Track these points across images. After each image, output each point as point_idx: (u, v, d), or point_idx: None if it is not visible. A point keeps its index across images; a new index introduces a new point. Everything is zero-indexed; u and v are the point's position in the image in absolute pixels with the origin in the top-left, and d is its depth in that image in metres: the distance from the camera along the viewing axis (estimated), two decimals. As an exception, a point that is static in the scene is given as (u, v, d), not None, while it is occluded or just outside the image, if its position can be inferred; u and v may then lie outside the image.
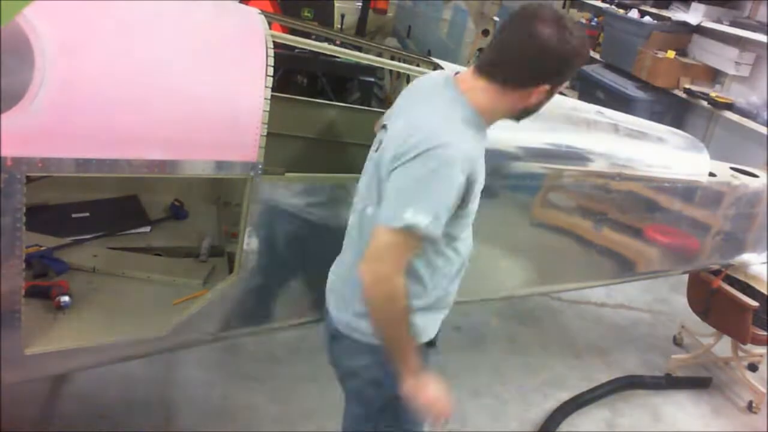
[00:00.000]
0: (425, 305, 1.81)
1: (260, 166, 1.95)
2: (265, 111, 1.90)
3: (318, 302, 2.31)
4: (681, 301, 4.06)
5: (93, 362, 2.14)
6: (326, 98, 4.31)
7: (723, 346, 3.64)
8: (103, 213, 2.75)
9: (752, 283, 3.49)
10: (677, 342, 4.01)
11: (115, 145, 1.76)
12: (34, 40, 1.64)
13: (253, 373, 3.11)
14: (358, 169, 2.11)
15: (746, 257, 3.50)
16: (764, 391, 3.46)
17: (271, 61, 1.93)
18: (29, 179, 1.72)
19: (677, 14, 5.86)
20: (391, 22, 7.12)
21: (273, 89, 1.93)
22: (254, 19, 2.07)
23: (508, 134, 2.34)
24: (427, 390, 1.69)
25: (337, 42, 3.86)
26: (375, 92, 5.49)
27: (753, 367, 3.58)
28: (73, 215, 2.70)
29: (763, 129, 4.98)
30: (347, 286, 1.82)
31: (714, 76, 5.76)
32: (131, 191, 2.93)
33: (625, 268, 3.10)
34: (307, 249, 2.28)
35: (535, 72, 1.62)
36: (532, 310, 4.09)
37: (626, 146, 2.84)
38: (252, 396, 2.97)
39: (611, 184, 2.75)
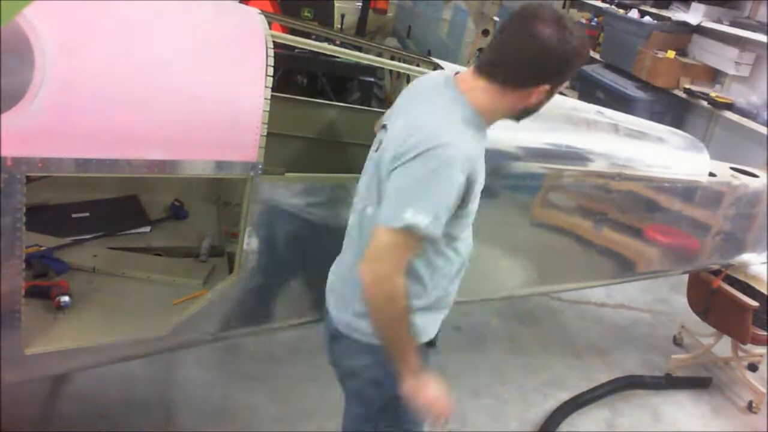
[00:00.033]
0: (425, 305, 1.80)
1: (260, 166, 1.95)
2: (265, 111, 1.90)
3: (318, 302, 2.31)
4: (681, 301, 4.06)
5: (93, 362, 2.14)
6: (326, 98, 4.31)
7: (723, 346, 3.64)
8: (103, 213, 2.75)
9: (752, 283, 3.49)
10: (677, 342, 4.01)
11: (115, 145, 1.76)
12: (34, 40, 1.64)
13: (253, 373, 3.11)
14: (358, 169, 2.11)
15: (746, 257, 3.50)
16: (764, 391, 3.46)
17: (271, 61, 1.93)
18: (29, 179, 1.72)
19: (677, 14, 5.86)
20: (391, 22, 7.12)
21: (273, 89, 1.93)
22: (254, 19, 2.07)
23: (508, 134, 2.34)
24: (427, 390, 1.69)
25: (337, 42, 3.86)
26: (375, 92, 5.49)
27: (753, 367, 3.58)
28: (73, 215, 2.69)
29: (763, 129, 4.98)
30: (347, 286, 1.82)
31: (714, 76, 5.76)
32: (131, 191, 2.93)
33: (625, 268, 3.10)
34: (307, 249, 2.28)
35: (535, 72, 1.62)
36: (532, 310, 4.09)
37: (626, 146, 2.84)
38: (252, 396, 2.97)
39: (611, 184, 2.75)
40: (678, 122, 5.81)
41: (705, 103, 5.48)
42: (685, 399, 3.51)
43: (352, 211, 1.90)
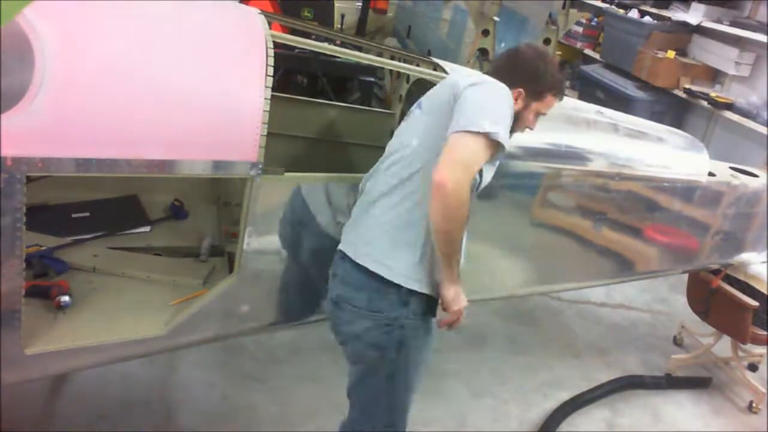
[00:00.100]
0: None
1: (260, 166, 1.95)
2: (265, 111, 1.90)
3: (318, 302, 2.31)
4: (681, 301, 4.06)
5: (93, 362, 2.14)
6: (326, 98, 4.30)
7: (723, 346, 3.64)
8: (103, 213, 2.74)
9: (752, 283, 3.49)
10: (677, 342, 4.01)
11: (114, 145, 1.76)
12: (34, 40, 1.64)
13: (253, 373, 3.11)
14: (358, 169, 2.11)
15: (746, 257, 3.50)
16: (764, 391, 3.46)
17: (271, 61, 1.93)
18: (29, 179, 1.72)
19: (677, 14, 5.87)
20: (391, 22, 7.11)
21: (273, 89, 1.93)
22: (254, 19, 2.07)
23: (508, 134, 2.34)
24: (461, 300, 1.89)
25: (337, 42, 3.86)
26: (375, 92, 5.49)
27: (753, 367, 3.58)
28: (73, 215, 2.69)
29: (763, 129, 4.98)
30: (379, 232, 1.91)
31: (714, 76, 5.76)
32: (131, 191, 2.93)
33: (624, 267, 3.10)
34: (307, 249, 2.28)
35: (514, 74, 1.98)
36: (532, 310, 4.09)
37: (626, 146, 2.84)
38: (252, 396, 2.97)
39: (611, 183, 2.75)
40: (678, 122, 5.82)
41: (705, 103, 5.49)
42: (685, 399, 3.51)
43: (375, 171, 2.02)
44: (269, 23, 2.11)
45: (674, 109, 5.98)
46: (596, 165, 2.70)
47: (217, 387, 2.99)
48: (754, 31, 5.13)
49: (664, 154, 3.00)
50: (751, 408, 3.48)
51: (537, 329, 3.93)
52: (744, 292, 3.36)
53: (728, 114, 5.32)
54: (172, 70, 1.87)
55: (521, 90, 1.97)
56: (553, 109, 2.07)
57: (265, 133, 1.92)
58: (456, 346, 3.52)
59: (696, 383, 3.63)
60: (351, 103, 4.66)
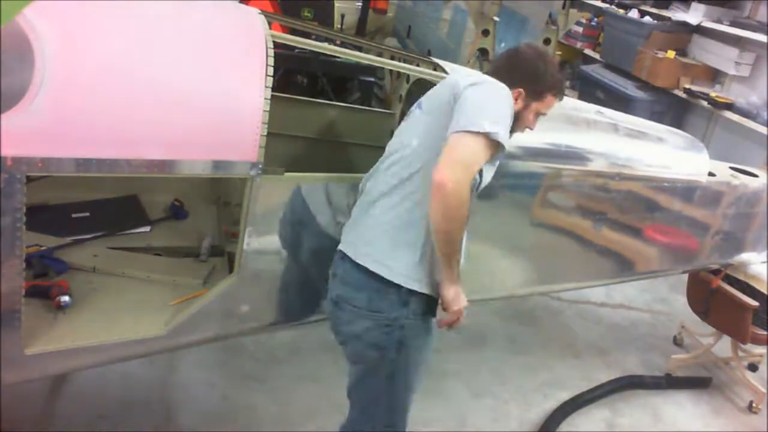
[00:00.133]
0: None
1: (260, 166, 1.95)
2: (265, 111, 1.90)
3: (318, 302, 2.31)
4: (681, 301, 4.06)
5: (93, 362, 2.14)
6: (326, 98, 4.30)
7: (723, 346, 3.64)
8: (103, 213, 2.74)
9: (752, 283, 3.49)
10: (677, 342, 4.01)
11: (114, 145, 1.76)
12: (34, 40, 1.64)
13: (253, 373, 3.11)
14: (358, 169, 2.11)
15: (746, 257, 3.50)
16: (764, 391, 3.46)
17: (271, 61, 1.93)
18: (29, 179, 1.72)
19: (677, 14, 5.87)
20: (391, 22, 7.11)
21: (273, 89, 1.93)
22: (254, 19, 2.07)
23: (508, 134, 2.34)
24: (461, 300, 1.89)
25: (337, 42, 3.86)
26: (375, 92, 5.49)
27: (753, 367, 3.58)
28: (73, 215, 2.69)
29: (763, 129, 4.98)
30: (375, 232, 1.91)
31: (714, 76, 5.76)
32: (131, 191, 2.93)
33: (624, 267, 3.10)
34: (307, 249, 2.28)
35: (514, 74, 1.98)
36: (532, 310, 4.09)
37: (626, 146, 2.84)
38: (252, 396, 2.97)
39: (611, 183, 2.75)
40: (678, 122, 5.82)
41: (705, 103, 5.49)
42: (685, 399, 3.51)
43: (375, 171, 2.02)
44: (269, 23, 2.11)
45: (674, 109, 5.98)
46: (596, 165, 2.70)
47: (217, 387, 2.99)
48: (754, 31, 5.13)
49: (664, 154, 3.00)
50: (751, 408, 3.48)
51: (537, 329, 3.93)
52: (744, 292, 3.36)
53: (728, 114, 5.32)
54: (172, 70, 1.87)
55: (521, 90, 1.97)
56: (553, 109, 2.07)
57: (265, 133, 1.92)
58: (456, 346, 3.52)
59: (696, 383, 3.63)
60: (351, 103, 4.66)
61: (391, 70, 5.22)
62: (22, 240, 1.74)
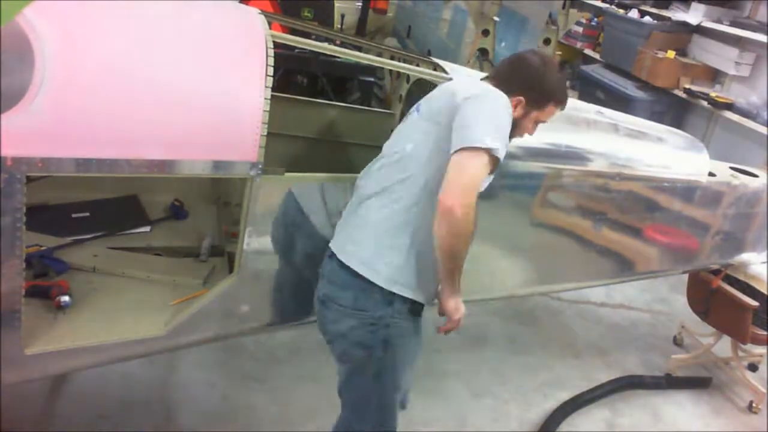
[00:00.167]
0: None
1: (260, 166, 1.95)
2: (265, 111, 1.90)
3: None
4: (681, 301, 4.06)
5: (93, 362, 2.14)
6: (326, 98, 4.30)
7: (723, 346, 3.64)
8: (103, 213, 2.75)
9: (752, 283, 3.49)
10: (677, 342, 4.01)
11: (114, 145, 1.77)
12: (34, 40, 1.64)
13: (253, 373, 3.11)
14: (357, 169, 2.11)
15: (746, 257, 3.50)
16: (764, 391, 3.46)
17: (271, 61, 1.94)
18: (29, 179, 1.72)
19: (677, 14, 5.87)
20: (391, 22, 7.11)
21: (273, 89, 1.93)
22: (254, 19, 2.07)
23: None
24: (461, 309, 1.92)
25: (337, 42, 3.86)
26: (375, 92, 5.49)
27: (753, 367, 3.58)
28: (73, 215, 2.69)
29: (763, 129, 4.98)
30: (367, 231, 1.91)
31: (714, 76, 5.76)
32: (131, 191, 2.93)
33: (624, 267, 3.10)
34: (307, 249, 2.28)
35: (515, 81, 1.97)
36: (532, 310, 4.09)
37: (626, 146, 2.84)
38: (252, 396, 2.97)
39: (611, 183, 2.75)
40: (678, 122, 5.82)
41: (705, 103, 5.49)
42: (685, 399, 3.51)
43: (368, 170, 2.02)
44: (269, 23, 2.11)
45: (674, 109, 5.97)
46: (596, 165, 2.70)
47: (217, 387, 2.99)
48: (754, 31, 5.13)
49: (664, 154, 3.00)
50: (751, 408, 3.48)
51: (537, 329, 3.93)
52: (744, 292, 3.36)
53: (728, 114, 5.31)
54: (172, 70, 1.87)
55: (521, 98, 1.97)
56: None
57: (265, 133, 1.92)
58: (456, 346, 3.52)
59: (696, 383, 3.63)
60: (351, 103, 4.66)
61: (391, 70, 5.22)
62: (22, 240, 1.74)
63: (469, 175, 1.72)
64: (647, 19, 6.09)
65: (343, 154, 3.13)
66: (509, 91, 1.94)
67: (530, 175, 2.55)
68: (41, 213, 2.55)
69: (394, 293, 1.87)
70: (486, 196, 2.05)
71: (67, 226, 2.58)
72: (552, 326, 3.99)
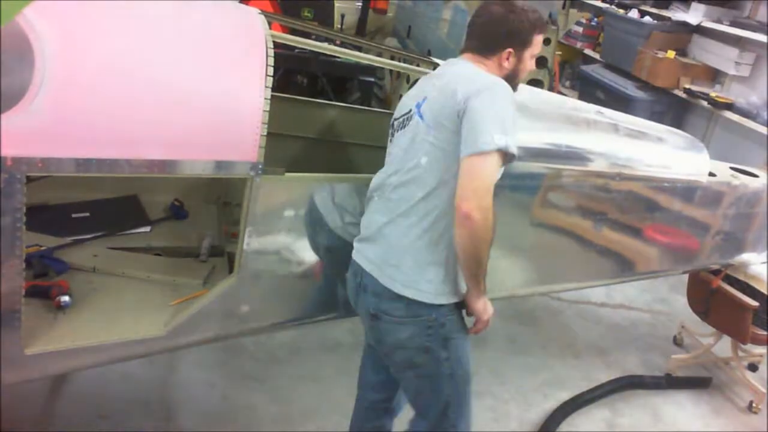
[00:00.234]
0: None
1: (260, 166, 1.95)
2: (265, 111, 1.90)
3: (318, 302, 2.31)
4: (681, 301, 4.06)
5: (93, 362, 2.14)
6: (326, 98, 4.31)
7: (723, 346, 3.64)
8: (103, 213, 2.75)
9: (752, 283, 3.49)
10: (677, 342, 4.01)
11: (114, 145, 1.77)
12: (34, 40, 1.64)
13: (253, 373, 3.11)
14: (358, 169, 2.11)
15: (746, 257, 3.50)
16: (764, 391, 3.46)
17: (271, 61, 1.94)
18: (29, 179, 1.72)
19: (677, 14, 5.87)
20: (391, 22, 7.11)
21: (273, 89, 1.94)
22: (254, 19, 2.07)
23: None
24: (489, 309, 1.99)
25: (337, 42, 3.86)
26: (375, 92, 5.49)
27: (753, 367, 3.58)
28: (73, 215, 2.69)
29: (763, 129, 4.98)
30: (399, 253, 1.91)
31: (714, 76, 5.76)
32: (131, 191, 2.93)
33: (625, 267, 3.10)
34: (307, 249, 2.28)
35: (496, 39, 1.99)
36: (532, 310, 4.09)
37: (626, 146, 2.84)
38: (252, 396, 2.97)
39: (611, 184, 2.75)
40: (678, 122, 5.82)
41: (705, 103, 5.49)
42: (685, 399, 3.51)
43: (382, 186, 1.99)
44: (269, 23, 2.11)
45: (674, 109, 5.97)
46: (596, 165, 2.70)
47: (217, 387, 2.99)
48: (754, 31, 5.13)
49: (664, 154, 3.00)
50: (751, 408, 3.48)
51: (537, 329, 3.93)
52: (744, 292, 3.36)
53: (728, 114, 5.31)
54: (172, 70, 1.87)
55: (510, 50, 1.99)
56: (553, 108, 2.09)
57: (265, 133, 1.92)
58: (456, 346, 3.52)
59: (696, 383, 3.63)
60: (351, 103, 4.66)
61: (391, 70, 5.22)
62: (22, 240, 1.74)
63: (481, 179, 1.73)
64: (647, 19, 6.09)
65: (343, 154, 3.12)
66: (495, 51, 1.99)
67: (530, 176, 2.55)
68: (41, 213, 2.55)
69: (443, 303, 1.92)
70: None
71: (67, 226, 2.58)
72: (552, 326, 3.99)
